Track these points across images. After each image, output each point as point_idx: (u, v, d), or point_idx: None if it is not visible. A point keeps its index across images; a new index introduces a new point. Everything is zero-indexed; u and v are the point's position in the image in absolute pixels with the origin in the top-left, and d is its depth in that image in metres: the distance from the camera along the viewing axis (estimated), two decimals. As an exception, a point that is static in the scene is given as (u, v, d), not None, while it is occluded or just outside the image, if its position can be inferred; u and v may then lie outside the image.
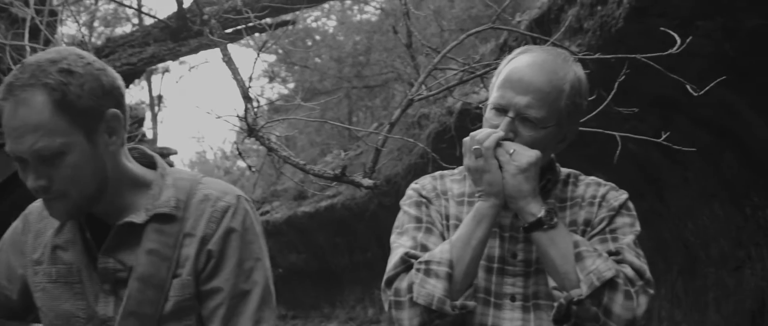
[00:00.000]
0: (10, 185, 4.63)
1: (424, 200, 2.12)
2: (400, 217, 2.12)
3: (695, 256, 8.28)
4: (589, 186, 2.11)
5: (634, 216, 2.06)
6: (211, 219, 1.82)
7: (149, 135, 18.58)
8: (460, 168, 2.20)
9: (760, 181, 7.25)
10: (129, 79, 4.17)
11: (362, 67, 14.42)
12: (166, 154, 16.06)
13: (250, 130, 3.44)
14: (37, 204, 1.97)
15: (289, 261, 19.55)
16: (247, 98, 3.41)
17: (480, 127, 2.06)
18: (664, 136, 3.55)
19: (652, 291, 1.92)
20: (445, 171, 2.22)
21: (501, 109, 1.98)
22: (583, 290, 1.86)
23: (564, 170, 2.16)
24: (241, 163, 32.50)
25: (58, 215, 1.78)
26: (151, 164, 1.94)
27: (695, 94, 3.41)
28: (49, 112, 1.66)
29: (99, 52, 3.94)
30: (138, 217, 1.81)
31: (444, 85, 4.09)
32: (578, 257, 1.89)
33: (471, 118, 9.14)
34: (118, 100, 1.78)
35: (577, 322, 1.89)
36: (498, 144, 1.96)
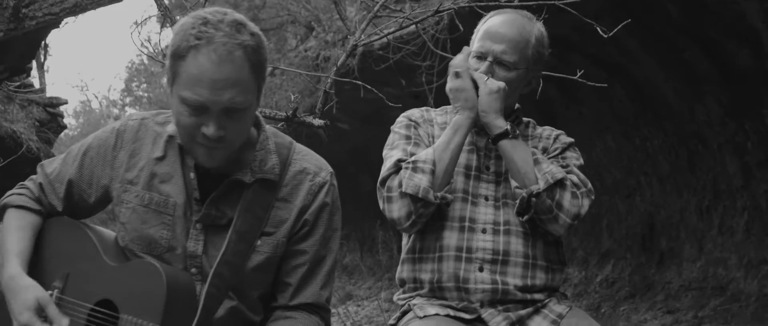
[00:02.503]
0: None
1: (413, 123, 2.55)
2: (391, 137, 2.53)
3: (590, 186, 8.76)
4: (545, 129, 2.61)
5: (578, 153, 2.55)
6: (309, 192, 2.06)
7: (37, 84, 17.91)
8: (442, 107, 2.64)
9: (648, 115, 7.72)
10: (48, 29, 4.12)
11: (258, 10, 14.29)
12: (56, 103, 15.56)
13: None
14: (133, 124, 2.11)
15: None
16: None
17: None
18: (579, 74, 3.83)
19: (592, 197, 2.42)
20: (430, 108, 2.64)
21: (482, 56, 2.46)
22: (541, 185, 2.33)
23: (524, 118, 2.61)
24: (130, 110, 31.73)
25: (215, 161, 1.93)
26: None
27: (605, 37, 3.69)
28: (248, 72, 1.84)
29: (20, 4, 3.89)
30: (245, 177, 2.00)
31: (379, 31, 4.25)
32: (536, 162, 2.38)
33: (374, 59, 9.27)
34: None
35: (535, 213, 2.36)
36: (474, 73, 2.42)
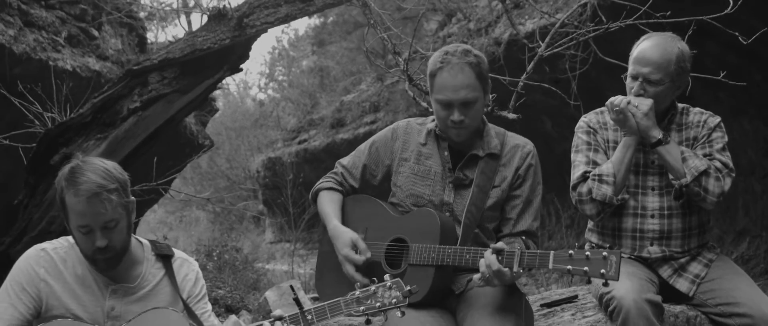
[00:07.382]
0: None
1: (591, 129, 3.37)
2: (576, 139, 3.36)
3: (725, 167, 8.98)
4: (695, 114, 3.36)
5: (723, 131, 3.29)
6: (521, 156, 3.14)
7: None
8: None
9: (785, 98, 7.93)
10: (260, 34, 4.95)
11: (402, 0, 15.00)
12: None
13: (410, 78, 4.32)
14: (402, 124, 3.27)
15: (331, 186, 20.06)
16: (397, 53, 4.25)
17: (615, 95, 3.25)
18: (722, 75, 4.36)
19: (733, 175, 3.17)
20: (604, 108, 3.33)
21: (634, 77, 3.21)
22: (688, 178, 3.12)
23: (679, 105, 3.36)
24: (272, 93, 33.19)
25: (461, 138, 3.05)
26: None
27: (744, 43, 4.23)
28: (474, 78, 2.95)
29: (243, 15, 4.73)
30: (480, 152, 3.09)
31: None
32: (684, 160, 3.14)
33: (519, 47, 9.76)
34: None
35: (687, 198, 3.18)
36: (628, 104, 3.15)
